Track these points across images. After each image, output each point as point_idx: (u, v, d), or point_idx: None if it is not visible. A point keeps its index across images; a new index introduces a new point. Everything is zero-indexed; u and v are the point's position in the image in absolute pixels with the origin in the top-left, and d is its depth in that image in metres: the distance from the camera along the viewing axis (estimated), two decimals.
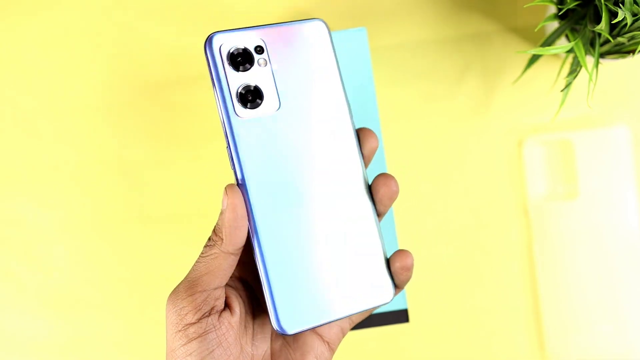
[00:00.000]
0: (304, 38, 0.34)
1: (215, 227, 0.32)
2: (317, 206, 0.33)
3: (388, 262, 0.34)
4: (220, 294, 0.32)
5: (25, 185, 0.54)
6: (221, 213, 0.32)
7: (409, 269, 0.33)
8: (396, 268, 0.33)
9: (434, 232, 0.52)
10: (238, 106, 0.32)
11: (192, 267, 0.32)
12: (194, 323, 0.30)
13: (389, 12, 0.53)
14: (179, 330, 0.30)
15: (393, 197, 0.34)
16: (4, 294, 0.54)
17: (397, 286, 0.34)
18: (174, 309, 0.31)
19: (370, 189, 0.34)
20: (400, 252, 0.33)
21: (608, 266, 0.51)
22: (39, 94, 0.54)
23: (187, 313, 0.30)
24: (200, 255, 0.32)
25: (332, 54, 0.34)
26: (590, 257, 0.51)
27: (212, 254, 0.31)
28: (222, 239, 0.31)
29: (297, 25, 0.34)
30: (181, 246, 0.53)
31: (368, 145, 0.34)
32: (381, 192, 0.33)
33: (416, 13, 0.53)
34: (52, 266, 0.53)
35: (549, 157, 0.52)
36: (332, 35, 0.43)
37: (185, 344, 0.30)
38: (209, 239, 0.32)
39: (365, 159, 0.34)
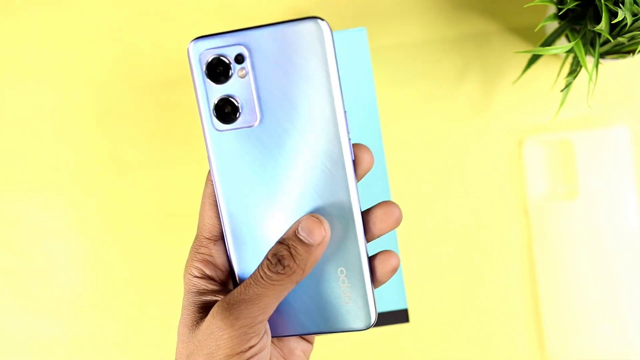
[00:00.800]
0: (296, 41, 0.30)
1: (291, 252, 0.30)
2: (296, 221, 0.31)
3: (373, 292, 0.33)
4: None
5: (26, 185, 0.54)
6: (306, 244, 0.30)
7: (393, 271, 0.32)
8: (380, 273, 0.32)
9: (434, 232, 0.52)
10: (214, 119, 0.31)
11: (251, 281, 0.30)
12: (253, 346, 0.30)
13: (389, 12, 0.53)
14: (236, 354, 0.29)
15: (394, 226, 0.32)
16: (4, 294, 0.54)
17: (381, 283, 0.33)
18: (231, 331, 0.29)
19: (359, 210, 0.32)
20: (384, 254, 0.32)
21: (608, 266, 0.51)
22: (39, 94, 0.54)
23: (247, 339, 0.29)
24: (263, 277, 0.30)
25: (332, 59, 0.30)
26: (590, 257, 0.51)
27: (284, 282, 0.30)
28: (303, 272, 0.30)
29: (288, 27, 0.30)
30: (181, 246, 0.53)
31: (363, 164, 0.32)
32: (379, 227, 0.32)
33: (416, 13, 0.53)
34: (52, 266, 0.53)
35: (549, 157, 0.52)
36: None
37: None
38: (278, 260, 0.30)
39: (359, 178, 0.32)
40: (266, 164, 0.31)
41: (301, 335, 0.34)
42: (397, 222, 0.32)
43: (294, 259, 0.30)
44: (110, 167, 0.53)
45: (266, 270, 0.30)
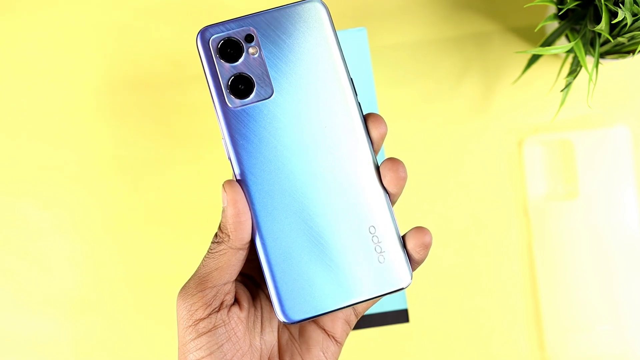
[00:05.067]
0: (299, 20, 0.32)
1: (220, 223, 0.32)
2: (321, 192, 0.32)
3: (404, 244, 0.32)
4: (230, 289, 0.32)
5: (26, 185, 0.54)
6: (223, 210, 0.32)
7: (426, 247, 0.32)
8: (412, 247, 0.32)
9: (434, 232, 0.52)
10: (229, 96, 0.32)
11: (201, 263, 0.32)
12: (204, 318, 0.31)
13: (389, 12, 0.53)
14: (189, 326, 0.31)
15: (400, 183, 0.33)
16: (4, 294, 0.54)
17: (413, 267, 0.33)
18: (184, 305, 0.31)
19: (377, 163, 0.32)
20: (416, 229, 0.32)
21: (608, 266, 0.51)
22: (39, 94, 0.54)
23: (197, 309, 0.31)
24: (208, 252, 0.32)
25: (331, 34, 0.33)
26: (590, 257, 0.51)
27: (220, 250, 0.31)
28: (229, 236, 0.31)
29: (291, 8, 0.32)
30: (181, 246, 0.53)
31: (376, 130, 0.33)
32: (388, 177, 0.32)
33: (416, 13, 0.53)
34: (53, 266, 0.53)
35: (549, 157, 0.52)
36: None
37: (195, 338, 0.31)
38: (216, 235, 0.32)
39: (375, 145, 0.33)
40: (282, 137, 0.32)
41: (337, 311, 0.33)
42: (404, 172, 0.32)
43: (221, 230, 0.32)
44: (110, 167, 0.54)
45: (210, 245, 0.32)
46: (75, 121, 0.54)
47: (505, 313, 0.52)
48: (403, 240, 0.32)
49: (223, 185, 0.31)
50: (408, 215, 0.52)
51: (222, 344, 0.31)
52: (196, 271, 0.32)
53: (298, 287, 0.31)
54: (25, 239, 0.54)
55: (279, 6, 0.32)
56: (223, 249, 0.31)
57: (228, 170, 0.52)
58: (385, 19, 0.53)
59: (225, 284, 0.32)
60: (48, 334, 0.53)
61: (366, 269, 0.31)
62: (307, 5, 0.33)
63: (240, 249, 0.31)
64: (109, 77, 0.54)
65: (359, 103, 0.33)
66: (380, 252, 0.32)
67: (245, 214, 0.31)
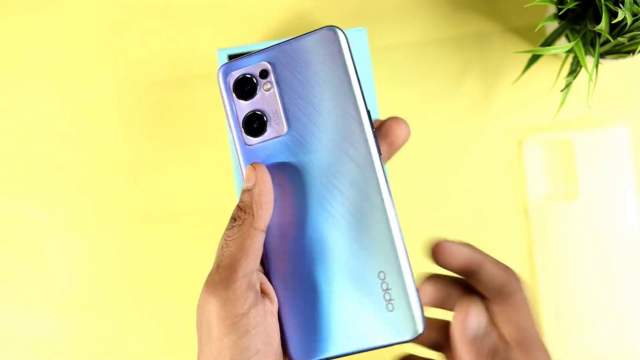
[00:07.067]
0: (314, 51, 0.32)
1: (239, 205, 0.31)
2: (331, 234, 0.31)
3: (418, 296, 0.31)
4: (258, 278, 0.30)
5: (26, 185, 0.54)
6: (247, 190, 0.31)
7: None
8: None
9: (434, 232, 0.52)
10: (245, 134, 0.32)
11: (220, 252, 0.30)
12: (245, 313, 0.28)
13: (389, 12, 0.53)
14: (230, 324, 0.28)
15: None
16: (4, 294, 0.54)
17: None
18: (217, 301, 0.28)
19: (393, 207, 0.31)
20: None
21: (608, 266, 0.51)
22: (39, 94, 0.54)
23: (235, 303, 0.28)
24: (226, 238, 0.30)
25: (348, 63, 0.31)
26: (590, 257, 0.51)
27: (243, 234, 0.30)
28: (253, 215, 0.30)
29: (305, 39, 0.32)
30: (181, 246, 0.53)
31: (396, 139, 0.33)
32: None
33: (416, 13, 0.53)
34: (53, 266, 0.53)
35: (549, 157, 0.52)
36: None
37: (240, 338, 0.28)
38: (234, 219, 0.30)
39: (395, 149, 0.33)
40: (298, 171, 0.32)
41: (342, 357, 0.32)
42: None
43: (241, 209, 0.30)
44: (110, 167, 0.53)
45: (227, 232, 0.30)
46: (75, 121, 0.54)
47: None
48: (418, 295, 0.31)
49: (252, 165, 0.31)
50: (408, 215, 0.52)
51: (264, 341, 0.29)
52: (218, 262, 0.29)
53: (304, 330, 0.31)
54: (25, 239, 0.54)
55: (296, 37, 0.32)
56: (246, 230, 0.30)
57: (228, 170, 0.52)
58: (385, 19, 0.53)
59: (253, 272, 0.30)
60: (48, 334, 0.53)
61: (373, 316, 0.30)
62: (323, 34, 0.32)
63: (263, 230, 0.30)
64: (109, 77, 0.54)
65: (376, 138, 0.32)
66: (390, 299, 0.30)
67: (271, 195, 0.31)
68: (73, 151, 0.54)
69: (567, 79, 0.44)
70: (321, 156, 0.31)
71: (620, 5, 0.38)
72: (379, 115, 0.48)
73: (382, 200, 0.31)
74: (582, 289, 0.51)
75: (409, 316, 0.30)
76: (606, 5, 0.39)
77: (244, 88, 0.32)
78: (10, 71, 0.54)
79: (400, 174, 0.52)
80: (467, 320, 0.30)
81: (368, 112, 0.32)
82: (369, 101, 0.46)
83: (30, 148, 0.54)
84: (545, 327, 0.51)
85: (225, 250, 0.29)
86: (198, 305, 0.29)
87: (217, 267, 0.29)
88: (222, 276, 0.29)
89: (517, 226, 0.52)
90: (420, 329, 0.30)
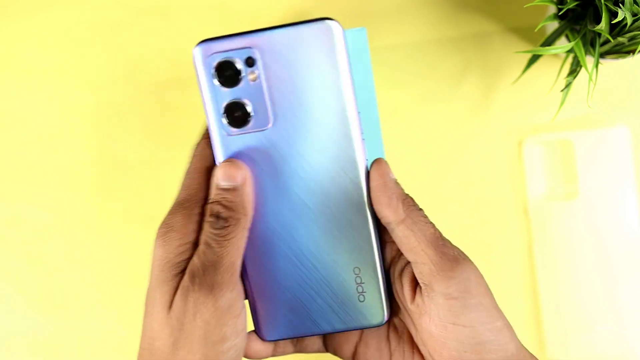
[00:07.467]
0: (308, 43, 0.30)
1: (224, 203, 0.30)
2: (312, 230, 0.31)
3: (388, 282, 0.34)
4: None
5: (25, 185, 0.54)
6: (233, 189, 0.30)
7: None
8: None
9: None
10: (225, 123, 0.30)
11: (206, 253, 0.29)
12: (233, 324, 0.30)
13: (389, 12, 0.53)
14: (219, 340, 0.29)
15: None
16: (4, 294, 0.54)
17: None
18: (214, 309, 0.29)
19: (371, 205, 0.32)
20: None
21: (608, 266, 0.51)
22: (38, 93, 0.54)
23: (228, 312, 0.29)
24: (214, 239, 0.29)
25: (342, 59, 0.30)
26: (590, 257, 0.51)
27: (237, 235, 0.29)
28: (246, 215, 0.30)
29: (299, 28, 0.30)
30: None
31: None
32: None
33: (416, 13, 0.53)
34: (52, 266, 0.53)
35: (549, 157, 0.52)
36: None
37: (224, 353, 0.29)
38: (217, 218, 0.29)
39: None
40: (279, 167, 0.31)
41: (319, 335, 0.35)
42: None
43: (230, 209, 0.29)
44: (110, 167, 0.53)
45: (213, 231, 0.29)
46: (75, 121, 0.54)
47: (505, 313, 0.52)
48: (388, 282, 0.34)
49: (236, 162, 0.30)
50: None
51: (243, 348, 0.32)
52: (209, 263, 0.29)
53: (277, 313, 0.32)
54: (25, 239, 0.54)
55: (287, 24, 0.30)
56: (240, 231, 0.29)
57: None
58: (385, 19, 0.53)
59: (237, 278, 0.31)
60: (48, 334, 0.53)
61: (345, 304, 0.33)
62: (319, 25, 0.30)
63: (248, 229, 0.30)
64: (108, 76, 0.54)
65: (363, 140, 0.31)
66: (362, 292, 0.33)
67: (253, 194, 0.31)
68: (73, 151, 0.54)
69: (567, 79, 0.44)
70: (303, 154, 0.31)
71: (620, 5, 0.38)
72: (379, 115, 0.48)
73: (363, 203, 0.32)
74: (582, 289, 0.51)
75: (376, 306, 0.33)
76: (606, 5, 0.39)
77: (227, 73, 0.30)
78: (9, 71, 0.54)
79: (399, 173, 0.51)
80: (382, 165, 0.32)
81: (358, 113, 0.31)
82: (369, 101, 0.46)
83: (30, 148, 0.54)
84: (545, 327, 0.51)
85: (218, 250, 0.29)
86: (187, 310, 0.29)
87: (208, 267, 0.29)
88: (213, 274, 0.29)
89: (517, 226, 0.52)
90: (386, 317, 0.33)
